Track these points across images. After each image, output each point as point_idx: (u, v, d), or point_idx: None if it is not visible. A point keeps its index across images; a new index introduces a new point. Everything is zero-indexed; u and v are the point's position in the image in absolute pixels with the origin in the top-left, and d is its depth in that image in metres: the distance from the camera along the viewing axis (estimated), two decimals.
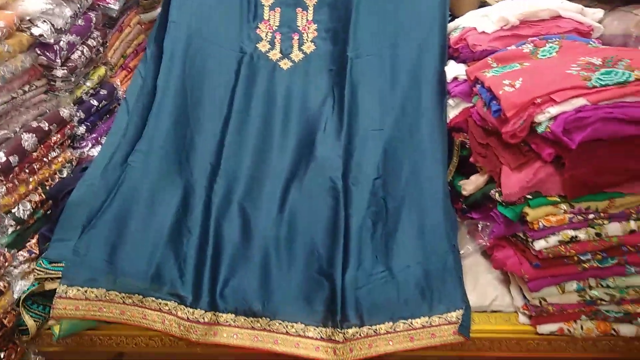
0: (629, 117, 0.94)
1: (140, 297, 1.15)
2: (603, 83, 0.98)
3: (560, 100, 0.98)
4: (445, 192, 1.30)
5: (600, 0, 1.55)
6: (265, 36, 1.54)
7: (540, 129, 1.00)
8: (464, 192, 1.32)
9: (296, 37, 1.54)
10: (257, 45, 1.53)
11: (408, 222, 1.27)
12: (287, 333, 1.11)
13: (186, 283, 1.15)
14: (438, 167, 1.32)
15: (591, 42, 1.30)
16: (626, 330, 1.13)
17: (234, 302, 1.14)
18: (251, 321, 1.12)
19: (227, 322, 1.12)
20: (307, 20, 1.55)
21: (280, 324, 1.12)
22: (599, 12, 1.40)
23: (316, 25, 1.54)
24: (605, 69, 1.02)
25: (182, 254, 1.19)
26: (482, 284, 1.24)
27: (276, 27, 1.55)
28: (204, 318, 1.11)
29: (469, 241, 1.32)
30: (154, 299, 1.15)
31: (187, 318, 1.11)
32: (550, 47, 1.26)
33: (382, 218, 1.28)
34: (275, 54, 1.52)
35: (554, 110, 0.98)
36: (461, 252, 1.29)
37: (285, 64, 1.52)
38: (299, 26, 1.55)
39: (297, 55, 1.52)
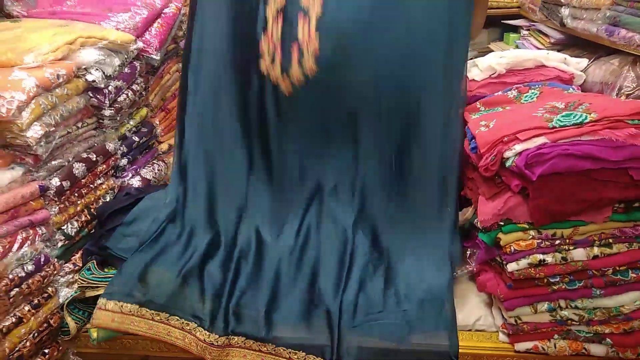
0: (583, 153, 1.07)
1: (167, 315, 1.30)
2: (562, 124, 1.12)
3: (524, 138, 1.12)
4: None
5: (587, 52, 1.70)
6: (267, 50, 1.39)
7: (508, 164, 1.14)
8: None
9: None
10: (259, 61, 1.40)
11: (409, 266, 1.36)
12: (290, 359, 1.23)
13: (205, 308, 1.28)
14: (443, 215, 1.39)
15: (570, 89, 1.44)
16: (596, 350, 1.20)
17: (245, 328, 1.25)
18: (259, 345, 1.24)
19: (237, 344, 1.24)
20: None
21: (284, 350, 1.23)
22: (583, 62, 1.54)
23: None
24: (566, 112, 1.16)
25: (204, 282, 1.33)
26: (469, 306, 1.34)
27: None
28: (217, 342, 1.23)
29: (460, 266, 1.44)
30: (177, 318, 1.29)
31: (204, 340, 1.24)
32: (532, 93, 1.41)
33: (383, 263, 1.38)
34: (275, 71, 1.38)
35: (518, 147, 1.13)
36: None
37: (286, 87, 1.40)
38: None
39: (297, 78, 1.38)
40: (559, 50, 1.95)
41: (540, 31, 2.12)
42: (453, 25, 1.31)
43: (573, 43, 1.88)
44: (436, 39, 1.32)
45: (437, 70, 1.34)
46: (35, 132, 1.24)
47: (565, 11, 1.84)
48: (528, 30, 2.23)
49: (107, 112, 1.54)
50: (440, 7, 1.31)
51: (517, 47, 2.26)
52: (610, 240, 1.15)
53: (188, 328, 1.28)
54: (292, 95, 1.40)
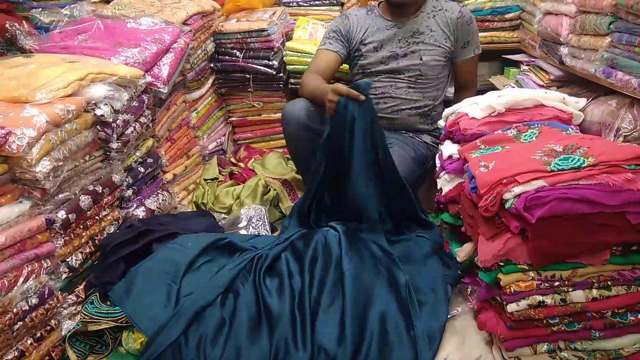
0: (581, 197, 1.09)
1: None
2: (560, 167, 1.14)
3: (523, 181, 1.14)
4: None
5: (586, 90, 1.73)
6: None
7: (507, 205, 1.16)
8: (458, 259, 1.47)
9: None
10: None
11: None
12: None
13: None
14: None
15: (569, 129, 1.47)
16: None
17: None
18: None
19: None
20: None
21: None
22: (581, 101, 1.57)
23: None
24: (564, 155, 1.18)
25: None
26: (469, 344, 1.35)
27: None
28: None
29: (461, 303, 1.46)
30: None
31: None
32: (531, 132, 1.44)
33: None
34: None
35: (517, 189, 1.14)
36: (453, 312, 1.43)
37: None
38: None
39: None
40: (558, 87, 1.98)
41: (540, 67, 2.16)
42: None
43: (572, 80, 1.91)
44: None
45: None
46: (44, 167, 1.27)
47: (564, 50, 1.87)
48: (528, 65, 2.27)
49: (115, 145, 1.57)
50: None
51: (517, 81, 2.29)
52: (609, 283, 1.16)
53: None
54: None
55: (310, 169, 1.75)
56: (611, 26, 1.55)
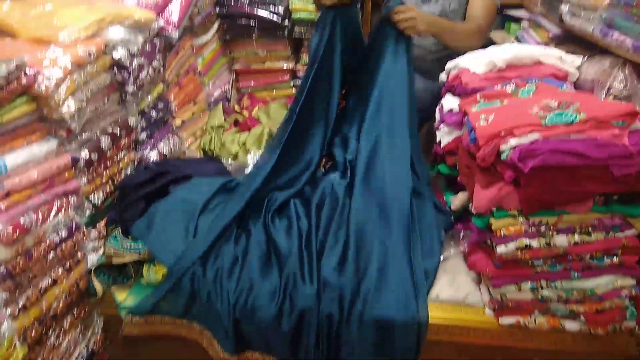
0: (570, 150, 1.19)
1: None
2: (554, 122, 1.24)
3: (519, 134, 1.24)
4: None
5: (582, 47, 1.80)
6: None
7: (503, 156, 1.26)
8: (453, 207, 1.59)
9: None
10: None
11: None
12: None
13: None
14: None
15: (564, 86, 1.55)
16: (571, 326, 1.35)
17: None
18: None
19: None
20: None
21: None
22: (577, 60, 1.65)
23: None
24: (558, 111, 1.27)
25: None
26: (459, 282, 1.47)
27: None
28: None
29: (453, 246, 1.58)
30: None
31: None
32: (529, 88, 1.52)
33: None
34: None
35: (513, 141, 1.24)
36: (445, 254, 1.55)
37: None
38: None
39: None
40: (556, 45, 2.04)
41: (540, 25, 2.21)
42: None
43: (570, 39, 1.97)
44: None
45: None
46: (69, 107, 1.34)
47: (564, 7, 1.92)
48: (528, 21, 2.32)
49: (130, 89, 1.62)
50: None
51: (517, 37, 2.35)
52: (590, 229, 1.28)
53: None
54: None
55: None
56: None
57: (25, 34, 1.41)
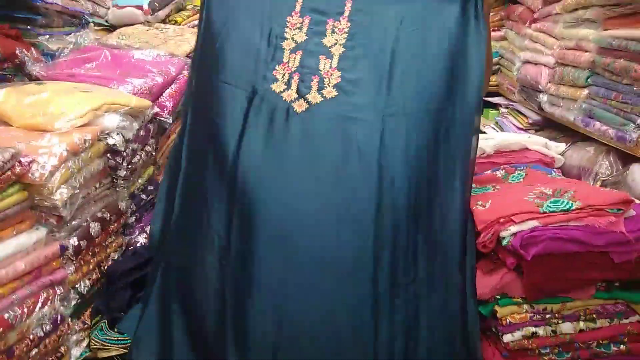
0: (571, 237, 1.21)
1: None
2: (551, 209, 1.26)
3: (518, 221, 1.26)
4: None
5: (564, 134, 1.89)
6: (282, 77, 1.30)
7: (504, 242, 1.27)
8: None
9: (316, 79, 1.29)
10: (270, 85, 1.30)
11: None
12: None
13: None
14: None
15: (552, 172, 1.60)
16: None
17: None
18: None
19: None
20: (331, 67, 1.30)
21: None
22: (561, 146, 1.72)
23: (340, 72, 1.28)
24: (554, 198, 1.30)
25: None
26: None
27: (295, 69, 1.31)
28: None
29: None
30: None
31: None
32: (518, 174, 1.57)
33: None
34: (290, 95, 1.29)
35: (513, 228, 1.25)
36: None
37: (300, 106, 1.27)
38: (320, 70, 1.30)
39: (315, 98, 1.28)
40: (536, 131, 2.14)
41: (518, 111, 2.32)
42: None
43: (551, 125, 2.07)
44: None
45: None
46: (62, 194, 1.30)
47: (543, 97, 2.03)
48: (507, 108, 2.44)
49: (123, 173, 1.60)
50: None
51: (497, 123, 2.45)
52: (594, 316, 1.28)
53: None
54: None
55: None
56: (589, 80, 1.71)
57: (21, 122, 1.40)
